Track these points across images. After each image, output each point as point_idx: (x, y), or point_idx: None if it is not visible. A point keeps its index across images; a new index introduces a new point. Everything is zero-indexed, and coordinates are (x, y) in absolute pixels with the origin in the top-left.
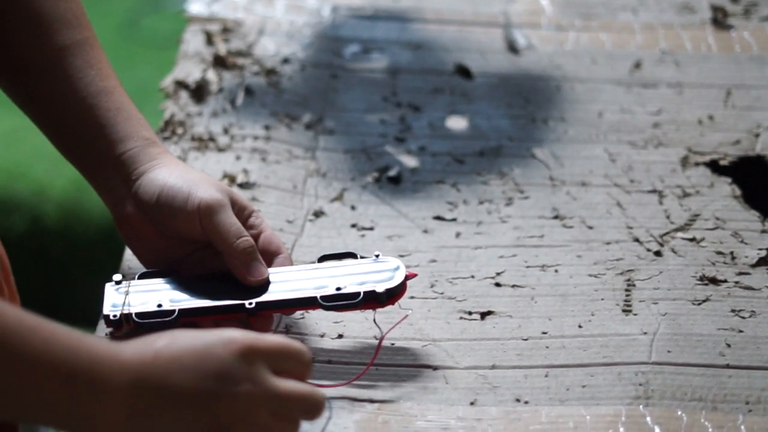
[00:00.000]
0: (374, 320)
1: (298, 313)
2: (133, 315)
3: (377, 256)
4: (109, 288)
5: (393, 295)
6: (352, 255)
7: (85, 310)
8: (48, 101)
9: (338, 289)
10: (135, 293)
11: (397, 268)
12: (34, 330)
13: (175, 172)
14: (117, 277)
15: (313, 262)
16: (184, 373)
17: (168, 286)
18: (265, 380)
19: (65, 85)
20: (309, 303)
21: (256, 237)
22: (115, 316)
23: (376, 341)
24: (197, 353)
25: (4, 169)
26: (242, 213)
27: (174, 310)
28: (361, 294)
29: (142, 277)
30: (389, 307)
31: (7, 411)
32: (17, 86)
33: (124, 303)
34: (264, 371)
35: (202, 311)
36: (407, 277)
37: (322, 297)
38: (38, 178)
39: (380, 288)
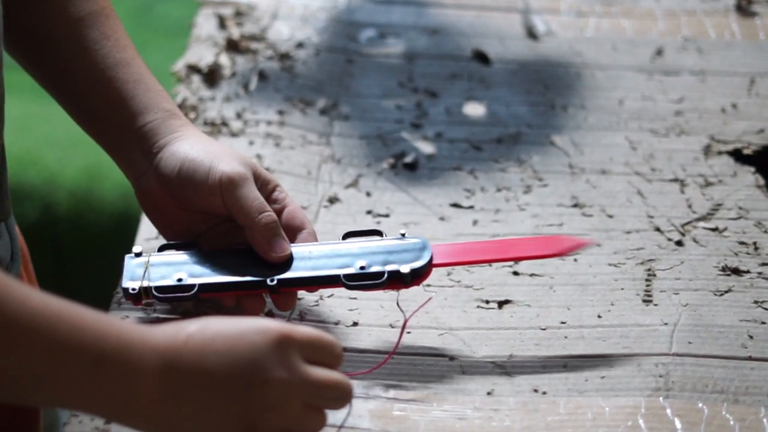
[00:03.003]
0: (397, 303)
1: (312, 300)
2: (153, 289)
3: (403, 234)
4: (129, 260)
5: (418, 275)
6: (377, 233)
7: (96, 299)
8: (65, 74)
9: (362, 268)
10: (155, 266)
11: (424, 248)
12: (60, 314)
13: (197, 145)
14: (137, 248)
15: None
16: (216, 358)
17: (188, 260)
18: (299, 368)
19: (82, 58)
20: (332, 281)
21: (279, 212)
22: (134, 289)
23: (392, 329)
24: (230, 339)
25: (15, 157)
26: (265, 187)
27: (194, 285)
28: (386, 274)
29: (161, 249)
30: (408, 295)
31: (38, 396)
32: (35, 59)
33: (143, 276)
34: (298, 360)
35: (222, 287)
36: (433, 258)
37: (345, 276)
38: (49, 166)
39: (405, 268)
